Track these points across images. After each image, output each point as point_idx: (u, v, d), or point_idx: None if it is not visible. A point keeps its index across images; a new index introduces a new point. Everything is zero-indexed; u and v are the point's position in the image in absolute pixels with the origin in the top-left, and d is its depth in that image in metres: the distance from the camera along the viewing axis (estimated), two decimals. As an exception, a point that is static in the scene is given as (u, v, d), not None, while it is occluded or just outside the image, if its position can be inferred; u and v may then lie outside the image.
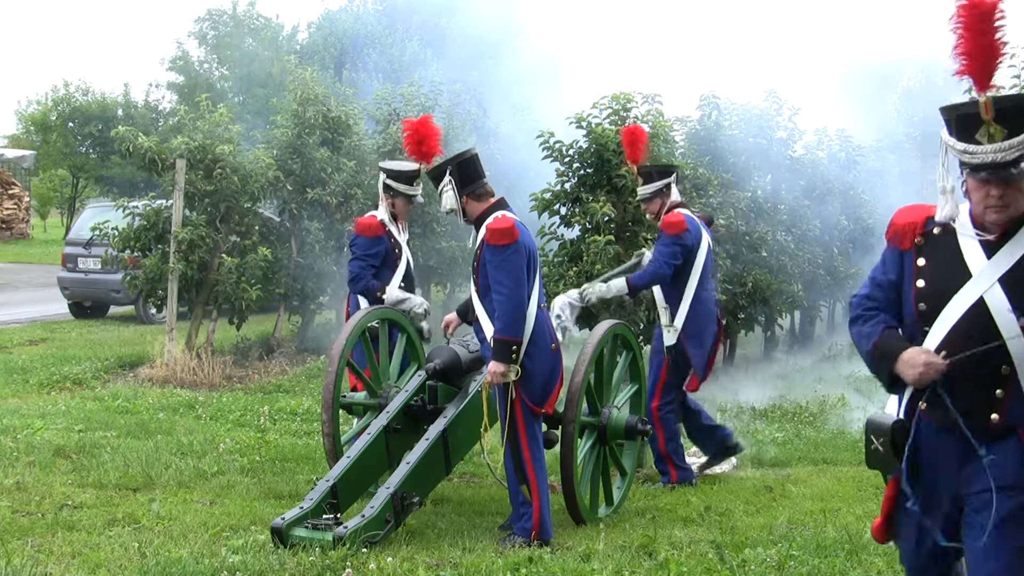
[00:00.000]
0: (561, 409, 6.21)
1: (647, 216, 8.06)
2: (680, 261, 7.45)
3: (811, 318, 18.38)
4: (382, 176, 7.30)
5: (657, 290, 7.64)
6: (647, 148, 8.26)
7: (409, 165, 7.24)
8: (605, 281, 7.57)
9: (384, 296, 7.07)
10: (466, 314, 6.57)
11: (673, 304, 7.55)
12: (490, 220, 5.80)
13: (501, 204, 5.95)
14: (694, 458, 8.38)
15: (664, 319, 7.57)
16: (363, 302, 7.18)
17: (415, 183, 7.23)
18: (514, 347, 5.69)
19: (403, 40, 36.42)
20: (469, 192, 5.92)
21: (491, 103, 17.10)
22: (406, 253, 7.38)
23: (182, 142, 12.28)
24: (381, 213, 7.29)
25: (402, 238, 7.38)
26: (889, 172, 19.66)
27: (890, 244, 3.62)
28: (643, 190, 7.77)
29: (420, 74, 16.06)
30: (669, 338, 7.54)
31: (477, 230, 5.91)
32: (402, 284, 7.26)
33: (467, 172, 5.92)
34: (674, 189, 7.72)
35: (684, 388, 7.79)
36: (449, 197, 5.91)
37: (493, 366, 5.72)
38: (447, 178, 5.91)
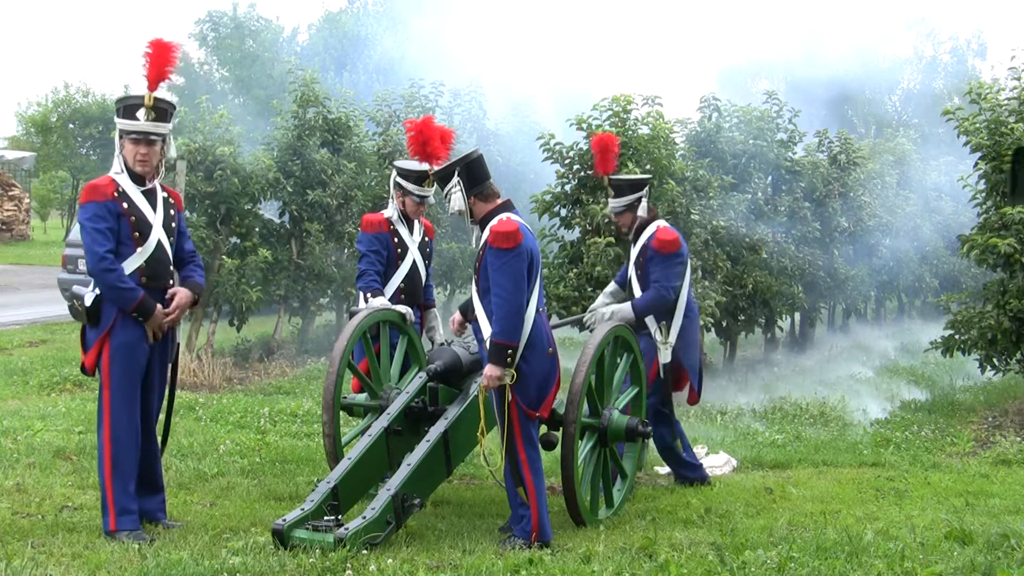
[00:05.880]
0: (562, 411, 6.21)
1: (620, 230, 7.62)
2: (682, 281, 7.31)
3: (811, 320, 18.39)
4: (393, 173, 7.28)
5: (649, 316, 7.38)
6: (618, 158, 8.04)
7: (420, 164, 7.17)
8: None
9: (369, 300, 6.96)
10: (470, 313, 6.56)
11: (666, 319, 7.34)
12: (494, 222, 5.80)
13: (507, 206, 5.95)
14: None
15: (659, 336, 7.31)
16: (362, 299, 7.14)
17: (425, 183, 7.13)
18: (510, 351, 5.69)
19: (404, 41, 36.47)
20: (476, 193, 5.92)
21: (490, 103, 17.11)
22: (412, 255, 7.22)
23: (182, 143, 12.29)
24: (389, 211, 7.25)
25: (411, 240, 7.23)
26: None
27: None
28: (614, 203, 7.48)
29: (420, 76, 16.03)
30: (664, 355, 7.30)
31: (482, 231, 5.91)
32: (402, 285, 7.21)
33: (474, 173, 5.92)
34: (644, 203, 7.46)
35: (687, 402, 7.75)
36: (457, 198, 5.90)
37: (489, 370, 5.72)
38: (455, 179, 5.91)
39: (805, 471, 8.50)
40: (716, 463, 8.38)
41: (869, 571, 5.18)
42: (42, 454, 7.58)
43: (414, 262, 7.21)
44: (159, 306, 5.76)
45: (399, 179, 7.16)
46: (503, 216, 5.84)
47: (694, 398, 7.69)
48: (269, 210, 14.36)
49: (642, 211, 7.45)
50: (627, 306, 7.31)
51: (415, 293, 7.25)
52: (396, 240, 7.14)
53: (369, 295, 6.94)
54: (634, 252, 7.50)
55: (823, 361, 16.52)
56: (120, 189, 5.73)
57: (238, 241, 13.08)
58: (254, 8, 48.63)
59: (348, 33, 42.24)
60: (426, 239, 7.39)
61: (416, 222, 7.31)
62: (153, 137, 5.75)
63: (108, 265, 5.63)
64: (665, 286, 7.21)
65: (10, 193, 34.19)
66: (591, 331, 7.38)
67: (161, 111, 5.76)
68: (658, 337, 7.30)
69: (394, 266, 7.14)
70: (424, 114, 11.20)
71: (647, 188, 7.57)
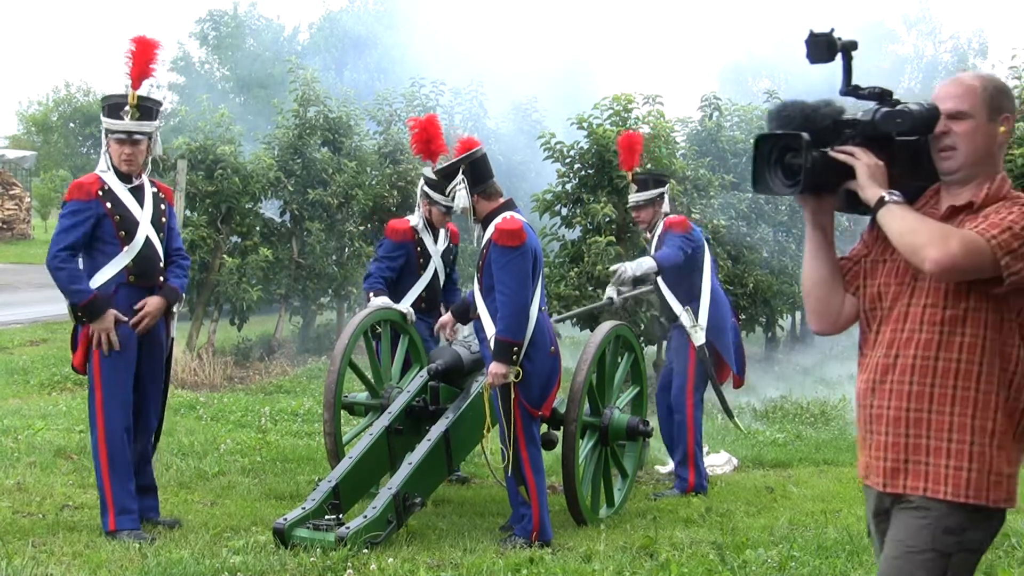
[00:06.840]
0: (563, 409, 6.21)
1: (639, 226, 7.86)
2: (691, 251, 7.37)
3: (812, 319, 18.35)
4: (421, 182, 7.25)
5: (671, 297, 7.49)
6: (643, 155, 8.22)
7: None
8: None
9: (371, 299, 6.96)
10: (461, 314, 6.57)
11: (692, 303, 7.45)
12: (499, 220, 5.80)
13: (510, 205, 5.96)
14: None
15: (687, 321, 7.40)
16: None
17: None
18: (515, 349, 5.70)
19: (404, 40, 36.50)
20: (480, 191, 5.91)
21: (491, 102, 17.10)
22: (435, 264, 7.19)
23: (183, 142, 12.30)
24: (415, 219, 7.22)
25: (435, 248, 7.21)
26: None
27: None
28: (637, 196, 7.62)
29: (420, 74, 16.02)
30: (698, 337, 7.39)
31: (484, 229, 5.91)
32: (423, 293, 7.18)
33: (478, 171, 5.92)
34: (666, 200, 7.62)
35: (732, 386, 7.84)
36: (462, 196, 5.90)
37: (494, 367, 5.73)
38: (459, 177, 5.91)
39: (806, 470, 8.50)
40: (717, 462, 8.37)
41: (870, 570, 5.17)
42: (43, 453, 7.59)
43: (435, 271, 7.20)
44: (112, 311, 5.58)
45: (426, 188, 7.14)
46: (507, 214, 5.84)
47: (738, 381, 7.80)
48: (270, 209, 14.36)
49: (666, 207, 7.60)
50: (648, 257, 7.36)
51: (435, 301, 7.26)
52: (419, 249, 7.14)
53: (372, 294, 6.96)
54: (652, 251, 7.56)
55: (824, 360, 16.50)
56: (105, 187, 5.67)
57: (239, 240, 13.08)
58: (255, 7, 48.71)
59: (348, 32, 42.26)
60: (451, 245, 7.38)
61: (442, 229, 7.29)
62: (137, 136, 5.66)
63: (59, 263, 5.54)
64: (680, 247, 7.29)
65: (11, 192, 34.15)
66: (611, 300, 7.46)
67: (146, 109, 5.68)
68: (686, 322, 7.36)
69: (415, 275, 7.13)
70: (425, 112, 11.21)
71: (667, 185, 7.71)
